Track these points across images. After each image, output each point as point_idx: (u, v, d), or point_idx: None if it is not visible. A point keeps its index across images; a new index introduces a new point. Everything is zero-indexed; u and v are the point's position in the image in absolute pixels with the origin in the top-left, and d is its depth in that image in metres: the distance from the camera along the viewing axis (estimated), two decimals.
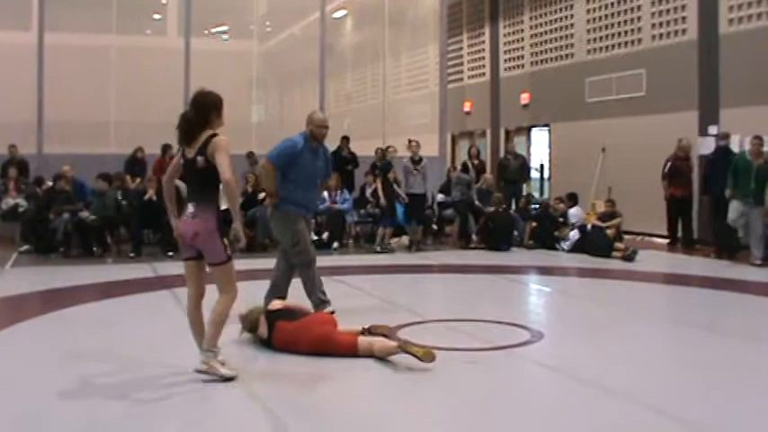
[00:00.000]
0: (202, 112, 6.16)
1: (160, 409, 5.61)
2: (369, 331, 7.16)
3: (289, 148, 8.61)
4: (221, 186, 6.09)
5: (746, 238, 13.49)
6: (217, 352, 6.13)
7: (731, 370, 6.77)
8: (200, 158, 6.05)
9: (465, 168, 17.70)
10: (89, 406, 5.67)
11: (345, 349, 6.85)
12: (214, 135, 6.09)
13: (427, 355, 6.54)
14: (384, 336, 7.15)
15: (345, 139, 18.31)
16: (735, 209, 13.45)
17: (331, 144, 18.74)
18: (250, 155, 17.31)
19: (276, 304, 7.49)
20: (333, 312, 8.02)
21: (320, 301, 8.41)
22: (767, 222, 13.28)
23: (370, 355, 6.80)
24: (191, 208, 6.15)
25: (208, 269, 6.31)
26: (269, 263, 13.31)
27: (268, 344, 7.16)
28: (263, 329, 7.21)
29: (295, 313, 7.37)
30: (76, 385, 6.09)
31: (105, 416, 5.45)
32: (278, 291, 8.55)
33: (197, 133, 6.12)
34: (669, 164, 15.64)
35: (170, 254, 13.34)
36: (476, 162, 18.45)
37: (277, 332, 7.09)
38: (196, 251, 6.24)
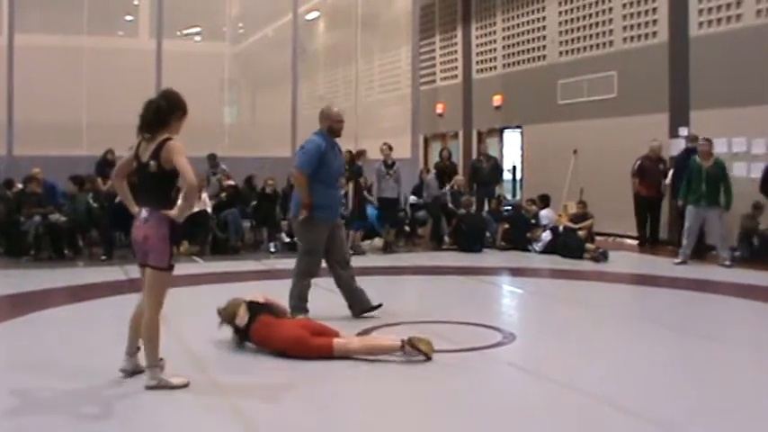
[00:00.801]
0: (170, 108, 6.08)
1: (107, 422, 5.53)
2: (410, 344, 6.85)
3: (315, 151, 8.60)
4: (183, 188, 6.03)
5: (710, 239, 13.64)
6: (162, 365, 6.06)
7: (698, 369, 6.87)
8: (152, 163, 5.95)
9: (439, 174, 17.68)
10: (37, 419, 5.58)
11: (319, 353, 6.84)
12: (168, 139, 5.97)
13: (429, 350, 6.77)
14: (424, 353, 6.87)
15: None
16: (690, 214, 13.57)
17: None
18: (212, 157, 17.19)
19: (259, 297, 7.43)
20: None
21: (298, 308, 8.40)
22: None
23: (346, 356, 6.81)
24: (143, 213, 6.04)
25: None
26: (240, 266, 13.37)
27: (244, 335, 7.13)
28: (241, 318, 7.14)
29: (278, 312, 7.36)
30: (25, 396, 5.99)
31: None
32: (354, 295, 8.64)
33: (159, 127, 6.01)
34: (638, 162, 15.86)
35: None
36: (447, 164, 18.47)
37: (258, 324, 7.07)
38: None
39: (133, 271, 12.12)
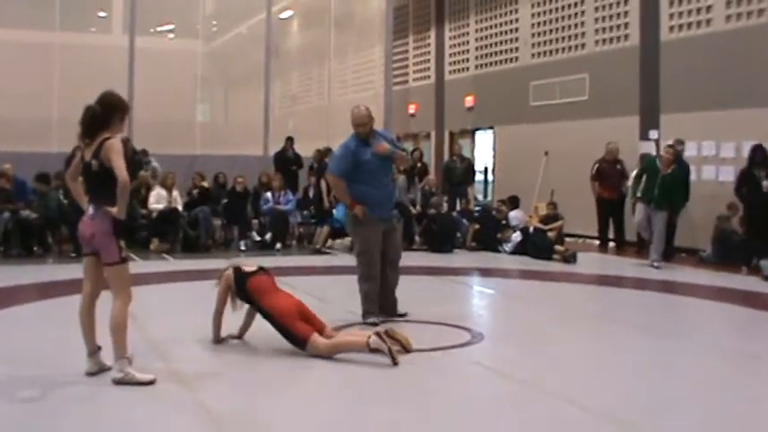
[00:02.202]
0: (107, 111, 6.21)
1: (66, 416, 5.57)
2: (387, 334, 6.89)
3: (342, 154, 8.75)
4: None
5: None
6: (130, 358, 6.07)
7: (664, 370, 6.93)
8: (94, 162, 6.12)
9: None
10: None
11: (295, 337, 6.88)
12: (107, 138, 6.11)
13: (407, 343, 6.92)
14: (401, 344, 6.99)
15: (290, 139, 18.32)
16: (639, 211, 13.82)
17: (276, 145, 18.92)
18: (143, 153, 16.90)
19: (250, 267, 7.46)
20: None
21: (368, 312, 8.49)
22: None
23: (317, 354, 6.83)
24: (90, 210, 6.21)
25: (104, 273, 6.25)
26: (211, 264, 13.33)
27: (242, 285, 7.21)
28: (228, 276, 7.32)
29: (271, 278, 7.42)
30: None
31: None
32: (387, 300, 8.66)
33: (98, 130, 6.15)
34: (596, 165, 16.06)
35: None
36: (419, 165, 18.48)
37: (257, 278, 7.24)
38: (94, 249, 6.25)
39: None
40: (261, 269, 7.40)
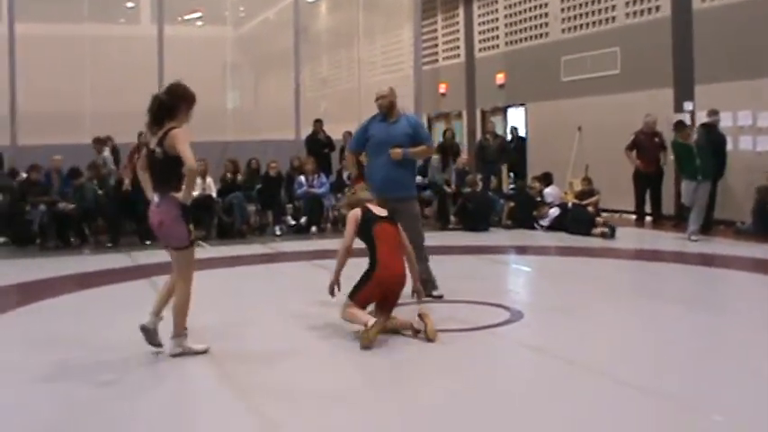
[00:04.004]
0: (173, 101, 6.40)
1: (139, 392, 5.69)
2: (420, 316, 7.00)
3: (357, 130, 9.13)
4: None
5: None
6: (186, 334, 6.48)
7: (708, 344, 6.87)
8: (158, 150, 6.34)
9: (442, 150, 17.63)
10: (63, 390, 5.76)
11: (360, 297, 7.09)
12: (173, 128, 6.31)
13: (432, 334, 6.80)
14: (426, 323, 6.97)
15: (319, 122, 18.29)
16: (686, 188, 13.56)
17: (307, 129, 18.90)
18: (100, 141, 16.55)
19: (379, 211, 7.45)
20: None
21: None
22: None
23: (342, 317, 7.05)
24: (156, 198, 6.44)
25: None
26: (246, 249, 13.41)
27: (366, 227, 7.22)
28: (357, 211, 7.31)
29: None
30: (49, 371, 6.19)
31: (80, 400, 5.55)
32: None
33: (164, 119, 6.36)
34: (633, 137, 15.81)
35: (148, 242, 13.29)
36: (452, 144, 18.41)
37: (378, 228, 7.23)
38: None
39: (139, 257, 12.29)
40: (389, 217, 7.41)
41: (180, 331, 6.44)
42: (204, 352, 6.50)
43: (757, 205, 13.87)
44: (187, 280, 6.49)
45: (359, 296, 7.05)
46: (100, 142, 16.48)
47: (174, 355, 6.39)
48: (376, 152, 8.75)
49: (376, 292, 7.08)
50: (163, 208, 6.36)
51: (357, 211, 7.29)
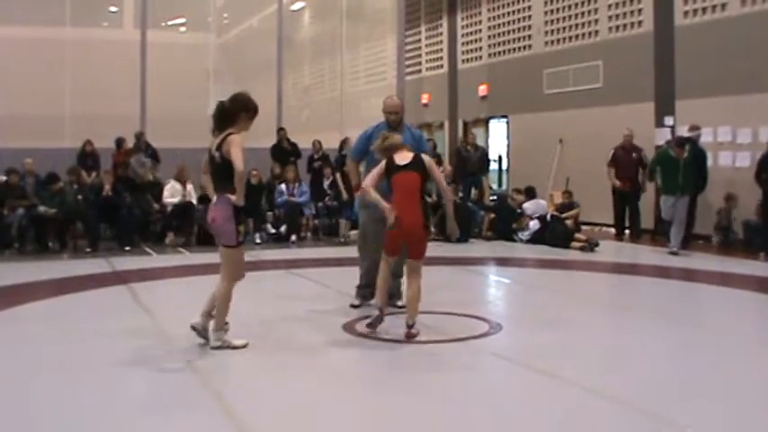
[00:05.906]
0: (235, 108, 6.92)
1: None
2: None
3: (358, 139, 9.15)
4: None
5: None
6: (226, 329, 6.92)
7: (687, 358, 6.89)
8: (216, 154, 6.79)
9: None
10: (27, 396, 5.65)
11: (389, 244, 7.62)
12: (230, 133, 6.76)
13: None
14: None
15: (282, 130, 18.11)
16: (665, 203, 13.60)
17: (291, 138, 18.85)
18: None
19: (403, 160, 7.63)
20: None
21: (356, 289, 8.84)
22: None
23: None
24: (215, 197, 6.95)
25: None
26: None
27: (387, 175, 7.56)
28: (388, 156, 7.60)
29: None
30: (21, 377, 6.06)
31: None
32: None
33: (225, 125, 6.84)
34: (612, 152, 15.85)
35: (127, 249, 13.22)
36: (434, 155, 18.38)
37: (397, 177, 7.52)
38: None
39: (118, 263, 12.22)
40: (412, 164, 7.55)
41: (220, 326, 6.87)
42: (243, 347, 6.87)
43: (719, 224, 14.33)
44: (231, 278, 6.90)
45: (385, 247, 7.60)
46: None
47: (215, 348, 6.78)
48: (371, 163, 8.60)
49: (395, 237, 7.46)
50: (217, 207, 6.84)
51: (382, 164, 7.63)
